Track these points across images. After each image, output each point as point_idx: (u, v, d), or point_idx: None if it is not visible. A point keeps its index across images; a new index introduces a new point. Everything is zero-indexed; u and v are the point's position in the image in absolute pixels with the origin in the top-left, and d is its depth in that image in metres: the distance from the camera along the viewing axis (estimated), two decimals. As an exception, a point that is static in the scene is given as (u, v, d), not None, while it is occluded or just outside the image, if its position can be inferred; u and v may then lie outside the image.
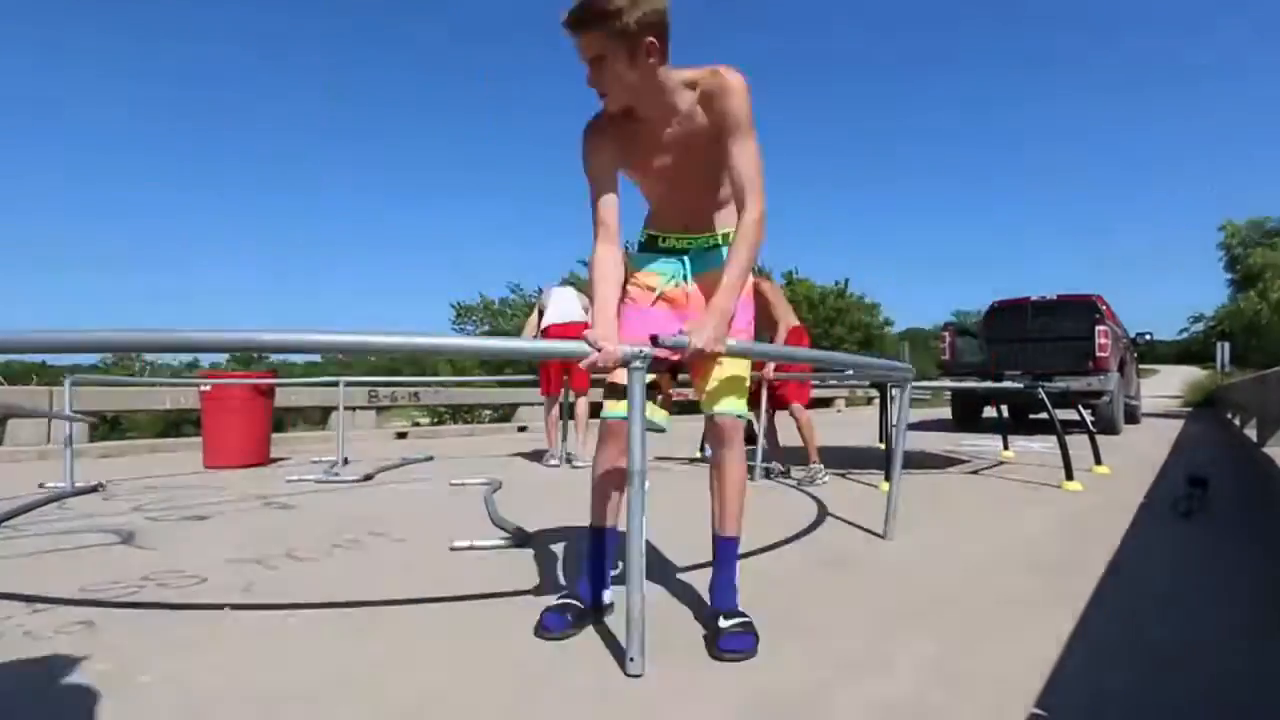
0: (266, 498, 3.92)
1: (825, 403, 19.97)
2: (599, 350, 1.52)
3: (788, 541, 2.76)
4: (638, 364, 1.53)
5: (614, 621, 1.75)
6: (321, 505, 3.69)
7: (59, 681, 1.46)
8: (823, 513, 3.37)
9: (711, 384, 1.75)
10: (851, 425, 11.18)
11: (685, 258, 1.81)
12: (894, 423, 3.05)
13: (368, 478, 4.73)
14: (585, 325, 5.29)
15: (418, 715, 1.32)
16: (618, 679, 1.45)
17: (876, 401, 6.61)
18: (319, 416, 10.05)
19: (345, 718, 1.30)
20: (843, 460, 5.40)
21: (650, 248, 1.85)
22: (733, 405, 1.76)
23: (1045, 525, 3.07)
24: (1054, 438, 4.61)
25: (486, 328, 33.18)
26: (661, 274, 1.81)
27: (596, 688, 1.42)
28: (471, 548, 2.59)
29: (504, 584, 2.16)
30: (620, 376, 1.67)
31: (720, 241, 1.80)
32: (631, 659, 1.47)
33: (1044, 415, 4.99)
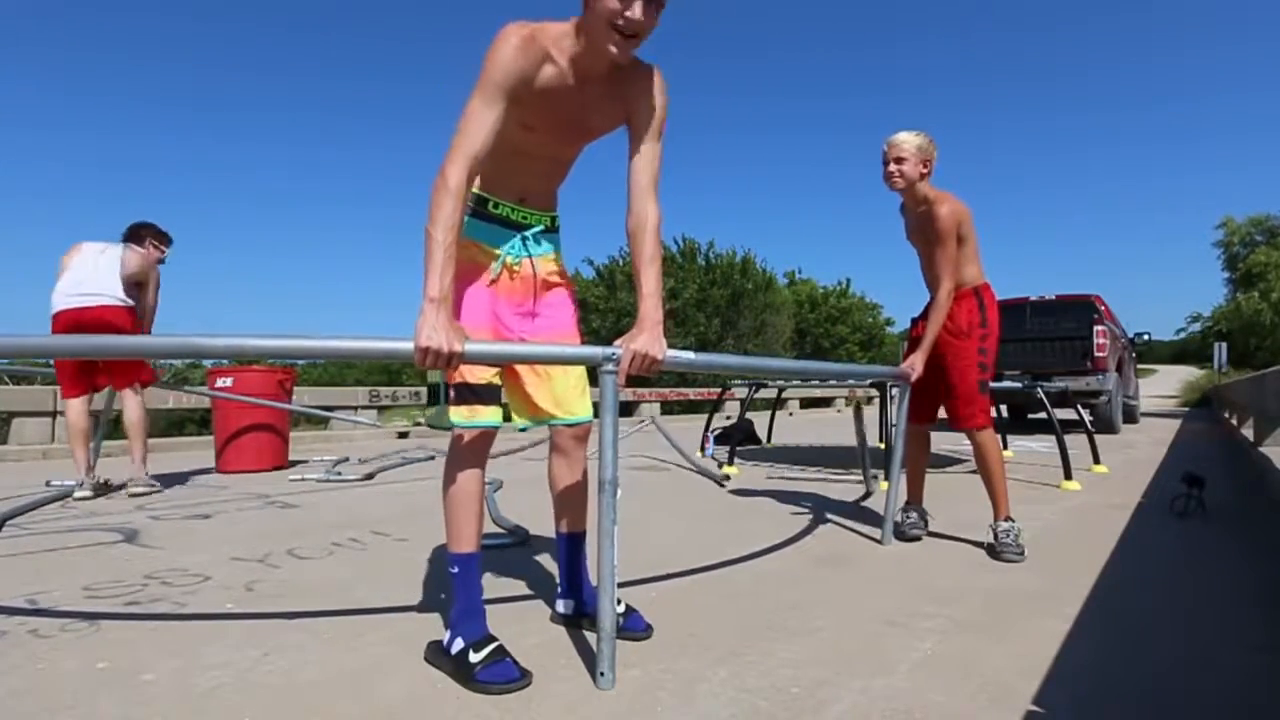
0: (269, 497, 3.93)
1: (825, 402, 20.02)
2: (439, 339, 1.30)
3: (788, 542, 2.77)
4: (610, 367, 1.45)
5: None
6: (323, 504, 3.70)
7: (62, 680, 1.46)
8: (822, 513, 3.39)
9: (569, 387, 1.66)
10: (852, 424, 11.18)
11: (525, 235, 1.64)
12: (894, 422, 3.05)
13: (369, 477, 4.74)
14: (118, 310, 4.15)
15: (416, 714, 1.33)
16: (619, 676, 1.45)
17: (876, 401, 6.62)
18: (319, 415, 10.05)
19: (345, 716, 1.31)
20: (843, 460, 5.41)
21: (478, 212, 1.60)
22: (590, 410, 1.72)
23: (1044, 524, 3.08)
24: (1053, 437, 4.62)
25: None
26: (499, 249, 1.61)
27: (604, 688, 1.42)
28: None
29: (505, 583, 2.17)
30: (473, 374, 1.52)
31: (550, 225, 1.70)
32: (602, 673, 1.41)
33: (1043, 415, 5.00)
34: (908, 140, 2.62)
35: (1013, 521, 2.56)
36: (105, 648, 1.64)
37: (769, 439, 7.59)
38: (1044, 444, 6.75)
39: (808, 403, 19.48)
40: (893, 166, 2.63)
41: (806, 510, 3.46)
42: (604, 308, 22.86)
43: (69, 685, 1.44)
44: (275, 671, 1.50)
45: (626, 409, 13.73)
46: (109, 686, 1.43)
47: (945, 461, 5.48)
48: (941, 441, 6.71)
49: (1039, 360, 8.48)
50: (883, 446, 5.54)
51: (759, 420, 8.66)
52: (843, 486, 4.31)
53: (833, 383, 10.18)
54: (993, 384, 2.77)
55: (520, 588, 2.13)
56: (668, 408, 15.21)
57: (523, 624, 1.78)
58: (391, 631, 1.75)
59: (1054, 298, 9.15)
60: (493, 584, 2.13)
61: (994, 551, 2.50)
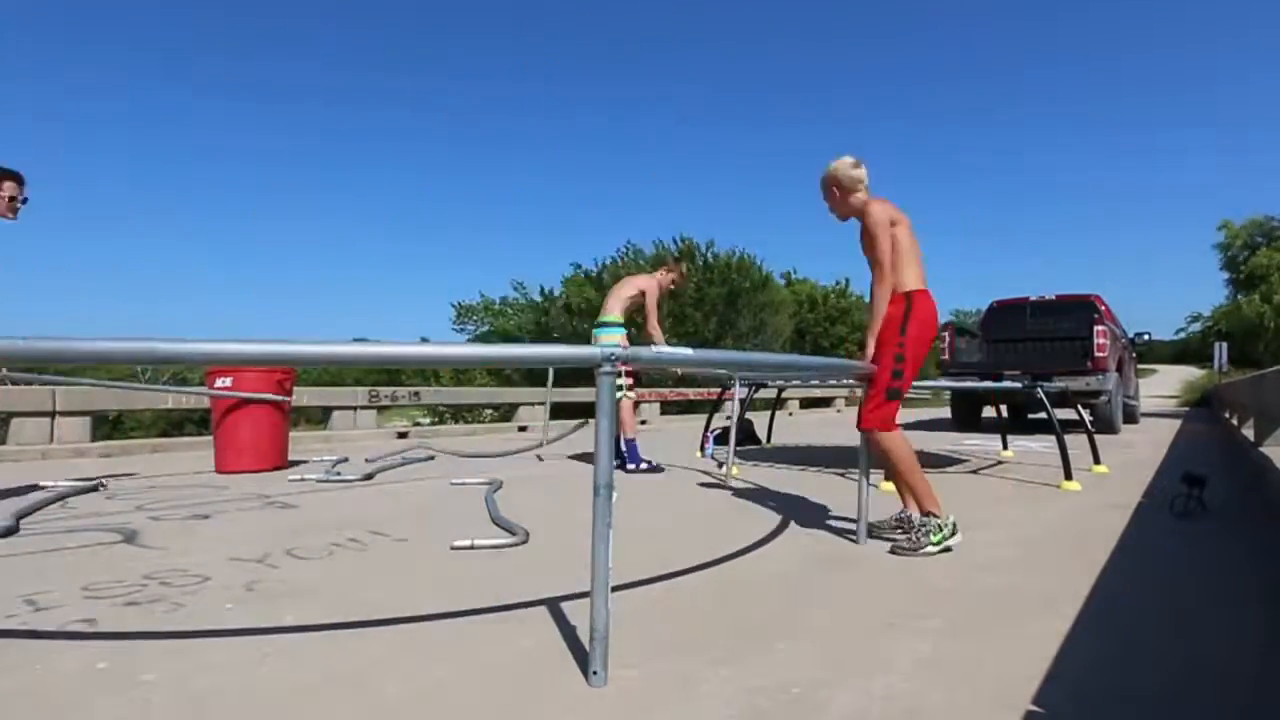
0: (268, 497, 3.93)
1: (825, 402, 20.01)
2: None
3: (788, 542, 2.77)
4: (607, 368, 1.48)
5: (634, 623, 1.75)
6: (323, 505, 3.70)
7: (61, 680, 1.46)
8: (822, 513, 3.38)
9: None
10: (851, 425, 11.19)
11: None
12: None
13: (368, 477, 4.74)
14: None
15: (416, 714, 1.33)
16: (618, 676, 1.46)
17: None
18: (319, 415, 10.07)
19: (345, 716, 1.31)
20: (843, 460, 5.41)
21: None
22: None
23: (1044, 525, 3.08)
24: (1053, 437, 4.62)
25: (487, 328, 32.96)
26: None
27: (596, 686, 1.43)
28: (472, 547, 2.60)
29: (504, 583, 2.17)
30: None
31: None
32: (595, 672, 1.43)
33: (1043, 415, 5.00)
34: (821, 181, 2.82)
35: (937, 518, 2.56)
36: (105, 648, 1.64)
37: (769, 439, 7.59)
38: (1044, 444, 6.74)
39: (808, 403, 19.47)
40: (829, 210, 2.87)
41: (807, 510, 3.46)
42: (595, 308, 22.86)
43: (68, 686, 1.44)
44: (275, 672, 1.50)
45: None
46: (108, 687, 1.43)
47: (945, 461, 5.48)
48: (942, 441, 6.71)
49: (1039, 360, 8.49)
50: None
51: (759, 420, 8.65)
52: (842, 486, 4.31)
53: (832, 383, 10.18)
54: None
55: (520, 588, 2.13)
56: (667, 408, 15.20)
57: (522, 624, 1.78)
58: (391, 632, 1.75)
59: (1054, 298, 9.16)
60: (492, 584, 2.13)
61: (888, 528, 2.67)
